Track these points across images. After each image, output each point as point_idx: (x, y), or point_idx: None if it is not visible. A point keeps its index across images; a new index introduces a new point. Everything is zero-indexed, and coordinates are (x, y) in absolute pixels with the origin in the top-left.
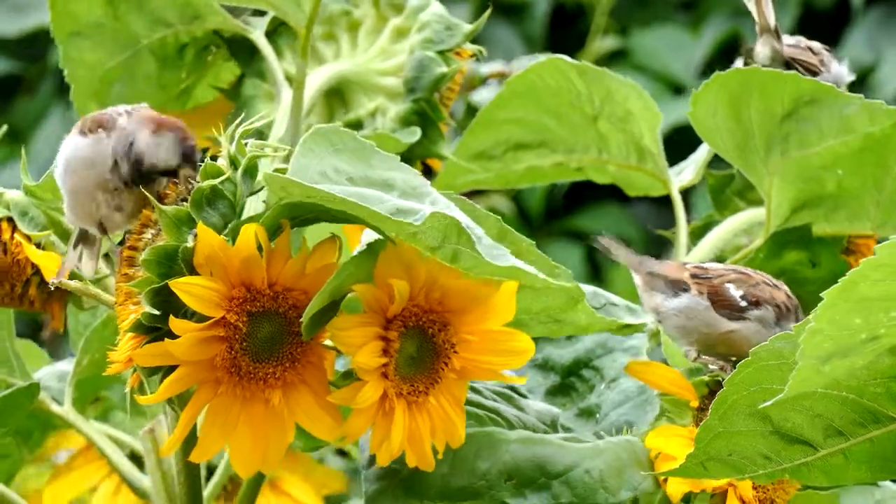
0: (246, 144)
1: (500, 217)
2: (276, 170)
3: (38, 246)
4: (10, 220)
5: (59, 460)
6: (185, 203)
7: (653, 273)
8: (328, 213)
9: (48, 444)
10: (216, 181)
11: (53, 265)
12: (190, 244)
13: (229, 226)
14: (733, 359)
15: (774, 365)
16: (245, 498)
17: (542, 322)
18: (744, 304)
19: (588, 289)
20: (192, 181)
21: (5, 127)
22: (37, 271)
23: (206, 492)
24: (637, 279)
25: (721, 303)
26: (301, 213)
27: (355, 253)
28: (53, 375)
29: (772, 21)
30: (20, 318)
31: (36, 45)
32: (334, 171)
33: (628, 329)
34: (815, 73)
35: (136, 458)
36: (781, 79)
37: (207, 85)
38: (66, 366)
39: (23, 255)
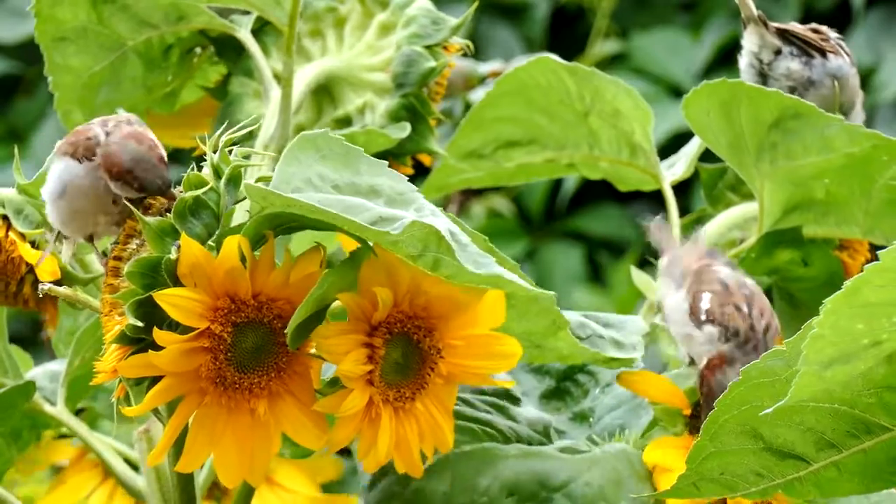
0: (230, 152)
1: (486, 238)
2: (260, 178)
3: (32, 244)
4: (4, 218)
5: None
6: (168, 214)
7: (678, 254)
8: (311, 222)
9: (36, 454)
10: (199, 191)
11: (48, 264)
12: (173, 256)
13: (213, 236)
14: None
15: (767, 383)
16: (241, 496)
17: (523, 346)
18: (703, 317)
19: (575, 318)
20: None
21: None
22: (31, 270)
23: (198, 488)
24: (666, 258)
25: (693, 309)
26: (284, 222)
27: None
28: (46, 376)
29: (753, 10)
30: (21, 319)
31: (36, 46)
32: (319, 178)
33: (614, 362)
34: (818, 49)
35: (130, 466)
36: (765, 94)
37: (195, 86)
38: (58, 366)
39: (17, 253)
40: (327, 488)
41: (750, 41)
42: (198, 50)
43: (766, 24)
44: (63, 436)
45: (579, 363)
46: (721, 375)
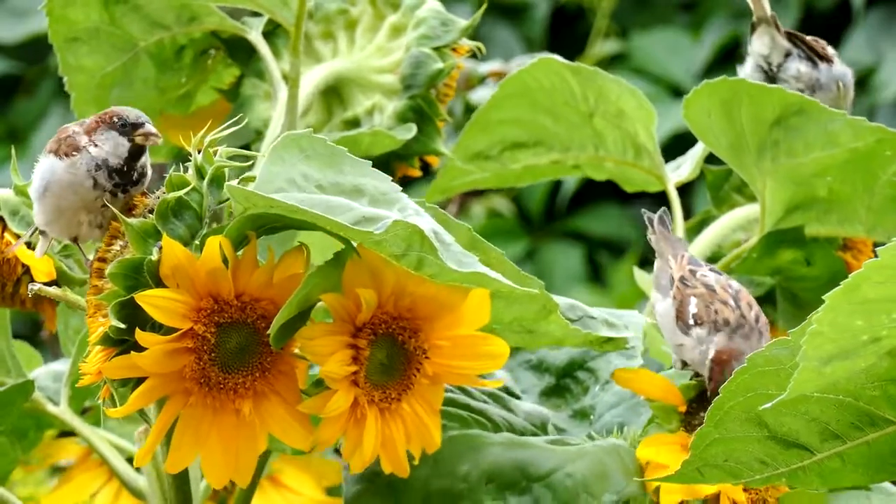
0: (215, 153)
1: (470, 227)
2: (244, 178)
3: (28, 245)
4: (0, 219)
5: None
6: (152, 215)
7: (667, 262)
8: (294, 223)
9: (41, 452)
10: (181, 192)
11: (43, 265)
12: (154, 257)
13: (197, 236)
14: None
15: (771, 371)
16: (242, 496)
17: (515, 332)
18: (691, 321)
19: (564, 301)
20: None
21: None
22: (27, 271)
23: (201, 490)
24: (655, 267)
25: (680, 315)
26: (267, 222)
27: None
28: (49, 376)
29: (768, 10)
30: (20, 319)
31: (36, 46)
32: (303, 178)
33: (608, 344)
34: (821, 57)
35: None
36: (768, 91)
37: (210, 89)
38: (61, 366)
39: (13, 254)
40: (331, 492)
41: (759, 42)
42: (212, 52)
43: (777, 26)
44: (66, 433)
45: (577, 353)
46: (728, 368)
